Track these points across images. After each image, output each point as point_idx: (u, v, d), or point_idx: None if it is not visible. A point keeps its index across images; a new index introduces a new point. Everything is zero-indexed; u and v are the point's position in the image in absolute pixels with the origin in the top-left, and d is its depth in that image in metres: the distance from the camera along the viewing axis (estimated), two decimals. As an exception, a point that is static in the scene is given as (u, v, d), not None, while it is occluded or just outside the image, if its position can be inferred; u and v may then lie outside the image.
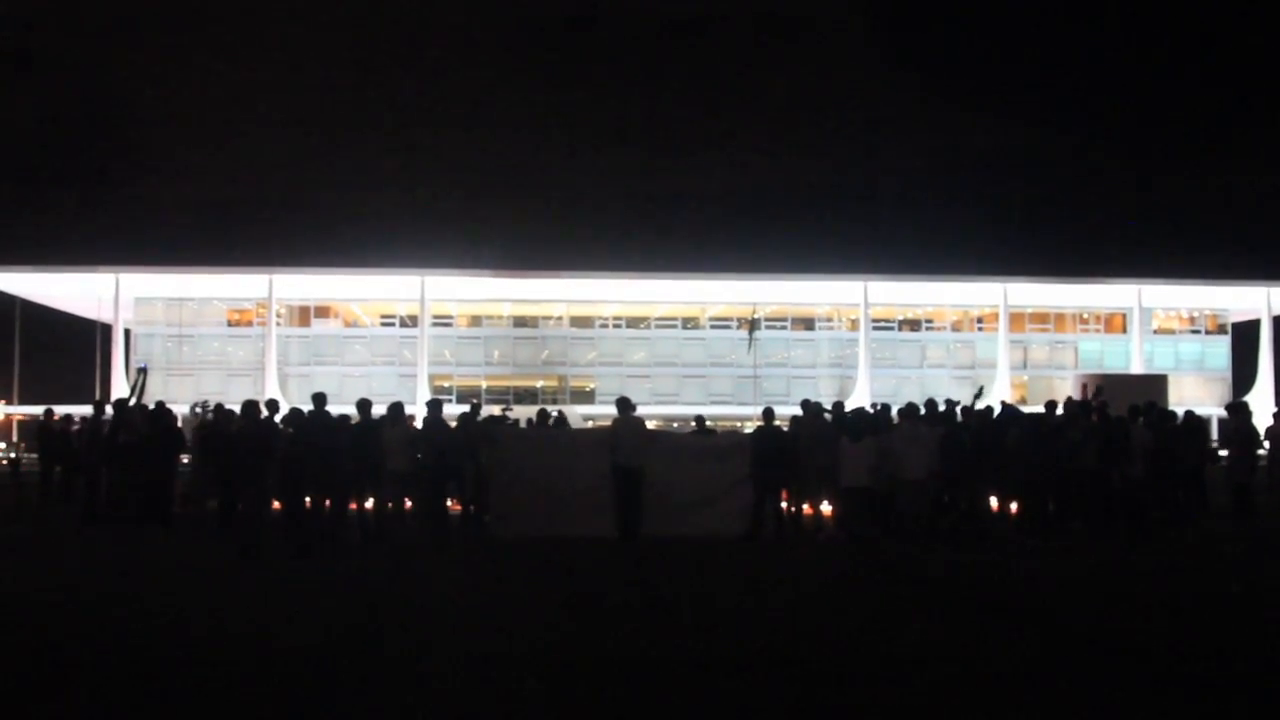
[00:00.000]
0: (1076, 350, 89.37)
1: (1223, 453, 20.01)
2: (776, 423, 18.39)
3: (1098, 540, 16.80)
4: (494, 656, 8.76)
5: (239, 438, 16.69)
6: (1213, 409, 65.83)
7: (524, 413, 24.82)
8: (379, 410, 17.91)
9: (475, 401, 19.38)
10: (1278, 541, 17.38)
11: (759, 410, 19.21)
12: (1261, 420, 21.90)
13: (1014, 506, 18.25)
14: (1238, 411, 20.62)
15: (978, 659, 8.73)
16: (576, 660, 8.69)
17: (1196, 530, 18.12)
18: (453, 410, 21.82)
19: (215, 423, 19.40)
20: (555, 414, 20.08)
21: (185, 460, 19.81)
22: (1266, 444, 20.64)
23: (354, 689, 7.81)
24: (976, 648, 9.20)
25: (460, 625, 10.27)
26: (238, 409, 18.35)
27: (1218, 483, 20.44)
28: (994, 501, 18.30)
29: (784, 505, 17.81)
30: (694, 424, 20.85)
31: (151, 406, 19.81)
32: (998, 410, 19.26)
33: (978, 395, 19.52)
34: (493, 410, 19.85)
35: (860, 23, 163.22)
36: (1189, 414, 20.71)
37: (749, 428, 22.08)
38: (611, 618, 10.70)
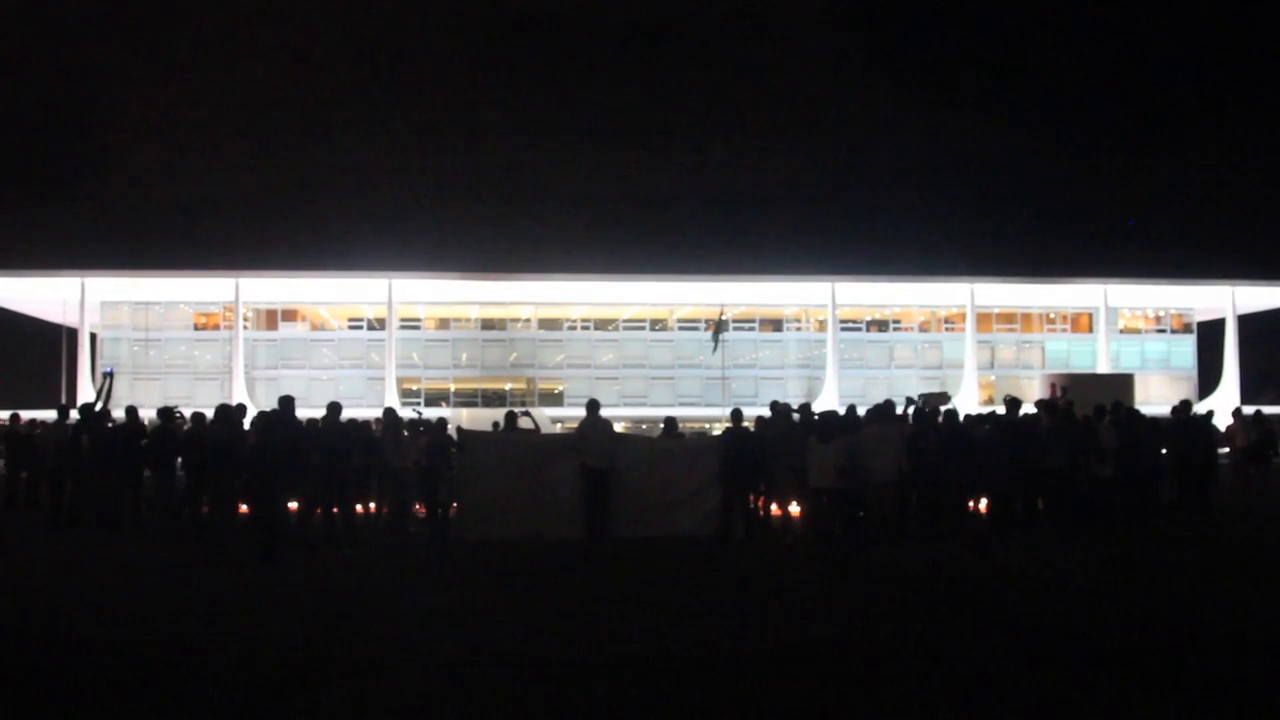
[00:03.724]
0: (1043, 350, 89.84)
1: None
2: (745, 424, 18.43)
3: (1066, 539, 16.89)
4: (468, 660, 8.75)
5: (206, 441, 16.63)
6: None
7: (491, 415, 24.64)
8: (349, 414, 17.97)
9: (419, 410, 19.46)
10: (1239, 538, 17.54)
11: (727, 411, 19.24)
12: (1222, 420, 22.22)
13: (983, 505, 18.36)
14: (1181, 412, 20.91)
15: (948, 657, 8.77)
16: (547, 662, 8.68)
17: (1177, 526, 18.29)
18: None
19: (180, 427, 19.31)
20: (522, 413, 20.00)
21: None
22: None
23: (326, 691, 7.79)
24: (947, 646, 9.23)
25: (431, 628, 10.26)
26: (207, 413, 18.33)
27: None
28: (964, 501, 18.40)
29: (753, 506, 17.85)
30: (663, 425, 20.81)
31: (117, 412, 19.70)
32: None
33: (911, 401, 19.50)
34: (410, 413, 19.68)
35: (829, 24, 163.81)
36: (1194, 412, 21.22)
37: (717, 429, 22.07)
38: (583, 620, 10.70)
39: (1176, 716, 7.30)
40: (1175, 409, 21.31)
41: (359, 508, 17.74)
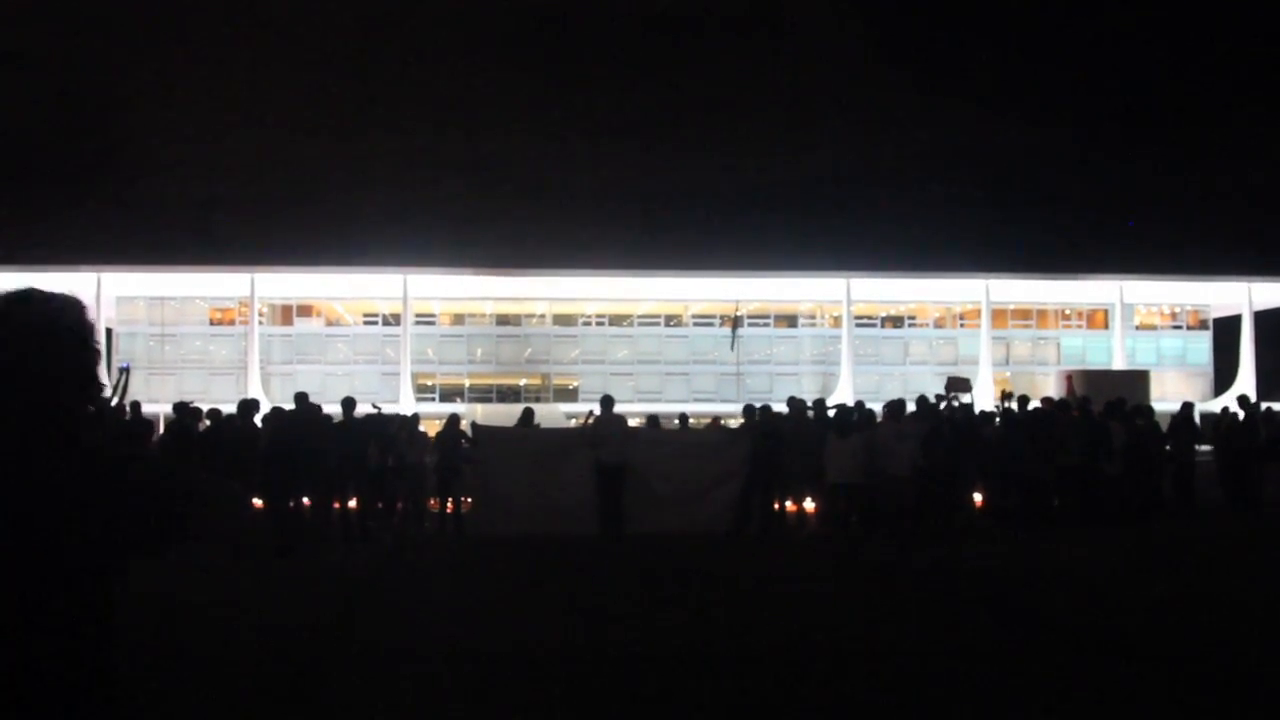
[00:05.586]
0: (1059, 346, 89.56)
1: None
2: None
3: (1081, 534, 16.86)
4: (481, 654, 8.77)
5: (223, 436, 16.67)
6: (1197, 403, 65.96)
7: (506, 411, 24.66)
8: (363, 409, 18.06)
9: (376, 405, 19.32)
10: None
11: (739, 408, 19.25)
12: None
13: (998, 502, 18.36)
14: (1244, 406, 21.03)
15: (964, 653, 8.76)
16: (565, 657, 8.70)
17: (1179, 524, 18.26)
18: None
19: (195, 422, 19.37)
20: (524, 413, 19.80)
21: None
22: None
23: (340, 686, 7.81)
24: (963, 642, 9.23)
25: (445, 623, 10.28)
26: (222, 408, 18.39)
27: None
28: (978, 497, 18.41)
29: (770, 502, 17.83)
30: (646, 420, 20.49)
31: (129, 407, 19.75)
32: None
33: (941, 398, 19.49)
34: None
35: (844, 19, 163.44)
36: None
37: (731, 424, 22.02)
38: (595, 615, 10.71)
39: (1189, 712, 7.29)
40: (1240, 402, 21.53)
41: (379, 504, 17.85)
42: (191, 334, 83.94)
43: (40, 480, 2.59)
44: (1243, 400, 21.77)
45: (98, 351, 2.83)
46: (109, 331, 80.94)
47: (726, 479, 17.45)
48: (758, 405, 19.28)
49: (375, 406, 19.15)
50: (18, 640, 2.53)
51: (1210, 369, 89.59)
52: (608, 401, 18.07)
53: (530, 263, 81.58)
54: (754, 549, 15.83)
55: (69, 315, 2.82)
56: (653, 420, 20.06)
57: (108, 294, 78.06)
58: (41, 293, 2.87)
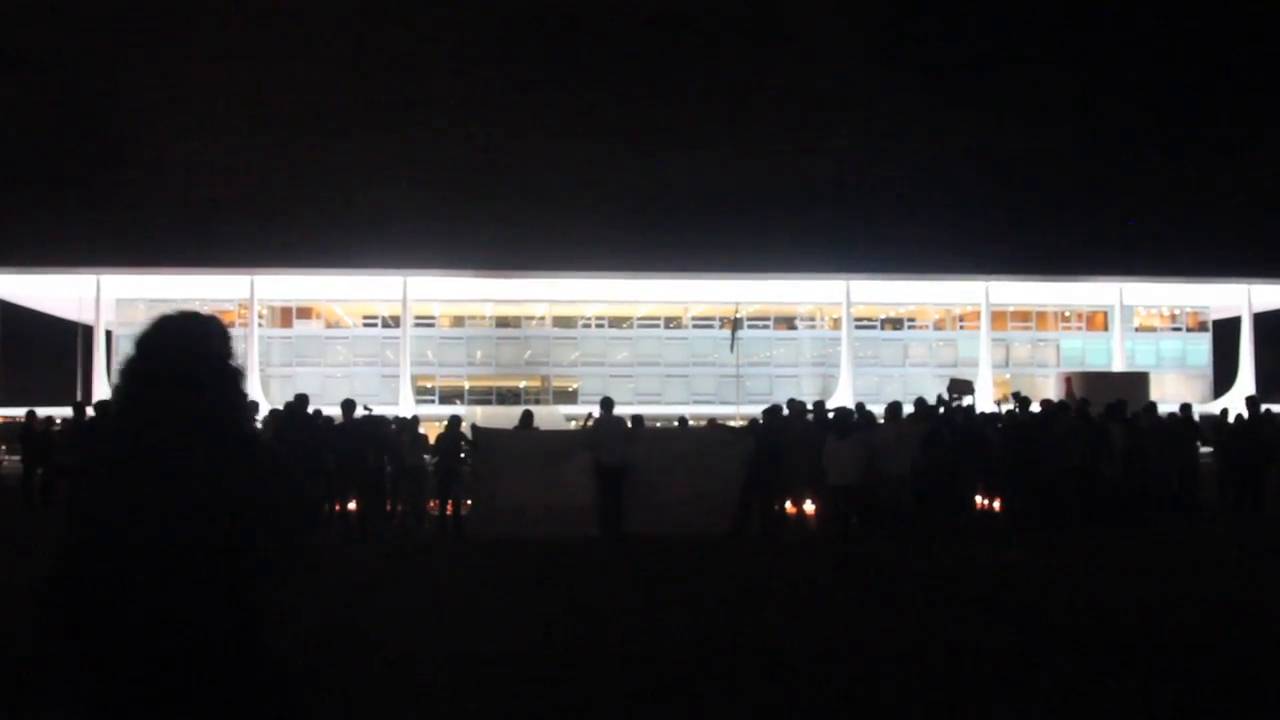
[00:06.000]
0: (1058, 348, 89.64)
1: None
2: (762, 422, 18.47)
3: (1080, 536, 16.86)
4: (481, 656, 8.75)
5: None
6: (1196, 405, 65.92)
7: (506, 413, 24.62)
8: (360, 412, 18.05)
9: (368, 406, 19.25)
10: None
11: (739, 409, 19.32)
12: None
13: (997, 503, 18.37)
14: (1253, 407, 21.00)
15: (964, 653, 8.75)
16: (565, 658, 8.68)
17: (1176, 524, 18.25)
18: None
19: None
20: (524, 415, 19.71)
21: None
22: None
23: (340, 690, 7.80)
24: (963, 642, 9.22)
25: (445, 624, 10.27)
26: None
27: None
28: (979, 498, 18.42)
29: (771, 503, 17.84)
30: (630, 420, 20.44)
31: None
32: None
33: (942, 400, 19.54)
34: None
35: (844, 22, 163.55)
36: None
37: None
38: (595, 616, 10.70)
39: (1189, 713, 7.28)
40: (1248, 403, 21.49)
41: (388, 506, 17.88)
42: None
43: (211, 462, 3.34)
44: (1250, 401, 21.70)
45: (238, 368, 3.51)
46: (108, 334, 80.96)
47: (727, 479, 17.44)
48: (762, 406, 19.37)
49: (367, 408, 19.10)
50: (196, 616, 3.30)
51: (1210, 371, 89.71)
52: (607, 403, 18.10)
53: (530, 265, 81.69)
54: (754, 549, 15.82)
55: (213, 330, 3.51)
56: (637, 421, 20.04)
57: (107, 296, 78.14)
58: (187, 314, 3.56)
